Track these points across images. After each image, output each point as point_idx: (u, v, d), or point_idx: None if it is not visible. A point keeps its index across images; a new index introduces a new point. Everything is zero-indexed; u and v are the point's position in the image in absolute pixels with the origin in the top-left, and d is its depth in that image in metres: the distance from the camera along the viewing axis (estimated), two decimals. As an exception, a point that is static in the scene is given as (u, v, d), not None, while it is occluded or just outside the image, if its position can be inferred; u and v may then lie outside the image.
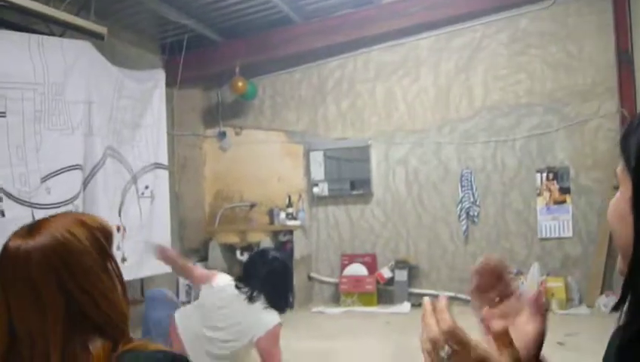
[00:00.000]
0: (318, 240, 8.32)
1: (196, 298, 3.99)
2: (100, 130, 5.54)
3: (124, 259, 5.53)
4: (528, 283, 6.99)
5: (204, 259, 8.18)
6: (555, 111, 7.33)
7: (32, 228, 1.26)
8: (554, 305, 6.93)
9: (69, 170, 5.07)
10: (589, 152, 7.21)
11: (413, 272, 7.80)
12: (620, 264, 0.91)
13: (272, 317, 3.74)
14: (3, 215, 4.44)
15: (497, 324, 0.90)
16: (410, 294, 7.66)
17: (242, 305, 3.72)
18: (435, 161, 7.83)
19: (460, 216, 7.67)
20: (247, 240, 8.10)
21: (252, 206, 8.51)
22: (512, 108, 7.50)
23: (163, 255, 3.99)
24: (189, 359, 1.36)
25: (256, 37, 7.86)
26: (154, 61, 7.69)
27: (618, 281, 6.68)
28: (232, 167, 8.65)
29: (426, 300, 0.93)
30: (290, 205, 8.20)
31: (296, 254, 7.85)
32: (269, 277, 3.83)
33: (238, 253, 8.02)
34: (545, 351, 0.96)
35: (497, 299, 1.01)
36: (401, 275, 7.70)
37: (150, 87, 6.51)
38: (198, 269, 4.22)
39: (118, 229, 5.65)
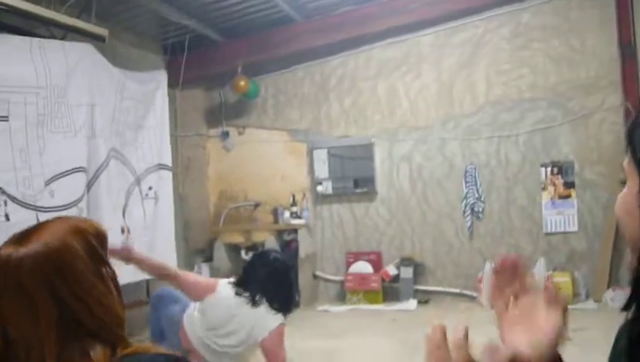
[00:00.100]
0: (322, 239, 8.31)
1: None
2: (103, 132, 5.54)
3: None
4: (535, 279, 6.96)
5: (209, 259, 8.18)
6: (558, 106, 7.31)
7: (23, 236, 1.25)
8: (560, 300, 6.91)
9: (72, 173, 5.07)
10: (594, 146, 7.19)
11: (419, 269, 7.79)
12: (631, 258, 0.90)
13: (275, 317, 3.74)
14: (8, 218, 4.45)
15: (499, 356, 0.83)
16: (416, 291, 7.66)
17: (248, 309, 3.72)
18: (439, 158, 7.81)
19: (464, 212, 7.66)
20: (251, 239, 8.09)
21: (256, 205, 8.50)
22: (516, 103, 7.47)
23: (110, 251, 3.79)
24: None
25: (258, 36, 7.85)
26: (156, 62, 7.68)
27: (625, 275, 6.68)
28: (236, 167, 8.64)
29: (432, 327, 0.86)
30: (294, 204, 8.19)
31: (301, 253, 7.84)
32: (270, 278, 3.82)
33: (243, 252, 8.01)
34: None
35: (513, 296, 0.98)
36: (407, 272, 7.68)
37: (152, 88, 6.51)
38: (191, 276, 3.99)
39: (123, 231, 5.66)
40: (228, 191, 8.71)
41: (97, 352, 1.19)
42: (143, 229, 6.02)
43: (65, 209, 4.90)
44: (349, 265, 8.00)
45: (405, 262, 7.72)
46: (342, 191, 8.22)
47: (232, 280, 3.93)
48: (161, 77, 6.77)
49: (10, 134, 4.57)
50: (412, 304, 7.42)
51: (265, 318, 3.73)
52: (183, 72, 7.63)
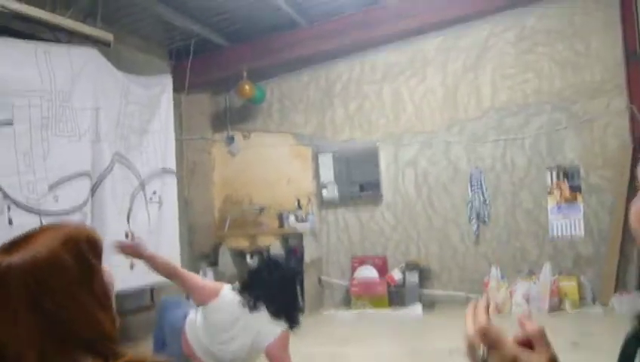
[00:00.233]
0: (328, 243, 8.29)
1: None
2: (108, 136, 5.54)
3: (132, 266, 5.52)
4: (541, 283, 6.95)
5: (214, 264, 8.16)
6: (563, 109, 7.28)
7: (13, 245, 1.22)
8: (567, 305, 6.88)
9: (76, 177, 5.07)
10: (599, 150, 7.15)
11: (424, 274, 7.76)
12: None
13: (280, 323, 3.72)
14: (11, 223, 4.44)
15: (532, 325, 0.91)
16: (422, 296, 7.62)
17: (252, 315, 3.70)
18: (444, 162, 7.79)
19: (470, 217, 7.63)
20: (256, 244, 8.08)
21: (261, 210, 8.49)
22: (521, 107, 7.45)
23: (121, 247, 3.67)
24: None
25: (263, 41, 7.85)
26: (161, 67, 7.69)
27: (632, 280, 6.65)
28: (241, 171, 8.64)
29: (471, 302, 0.96)
30: (299, 208, 8.18)
31: (307, 258, 7.82)
32: (277, 285, 3.79)
33: (248, 257, 8.00)
34: (559, 351, 0.93)
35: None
36: (412, 277, 7.64)
37: (157, 92, 6.51)
38: (199, 279, 3.95)
39: (127, 235, 5.65)
40: (233, 196, 8.71)
41: None
42: (147, 234, 6.00)
43: (69, 213, 4.90)
44: (354, 269, 7.98)
45: (411, 266, 7.68)
46: (347, 196, 8.21)
47: (236, 285, 3.89)
48: (167, 81, 6.79)
49: (15, 138, 4.58)
50: (418, 308, 7.39)
51: (270, 324, 3.71)
52: (188, 77, 7.64)
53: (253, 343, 3.71)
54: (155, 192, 6.24)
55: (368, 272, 7.84)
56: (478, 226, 7.60)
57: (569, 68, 7.26)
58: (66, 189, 4.95)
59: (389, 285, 7.68)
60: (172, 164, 6.62)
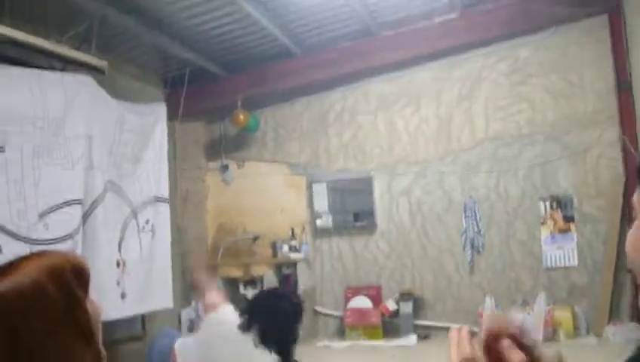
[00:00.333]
0: (322, 273, 8.25)
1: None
2: (101, 164, 5.50)
3: (123, 295, 5.47)
4: (535, 314, 6.90)
5: (206, 293, 8.08)
6: (556, 140, 7.30)
7: None
8: (561, 335, 6.84)
9: (68, 205, 5.03)
10: (592, 181, 7.16)
11: (419, 304, 7.71)
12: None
13: (273, 355, 3.66)
14: (0, 251, 4.40)
15: (517, 355, 0.89)
16: (416, 326, 7.56)
17: (242, 338, 3.65)
18: (438, 192, 7.79)
19: (464, 247, 7.61)
20: (250, 273, 8.03)
21: (255, 238, 8.45)
22: (514, 137, 7.47)
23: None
24: None
25: (258, 70, 7.89)
26: (156, 95, 7.71)
27: (626, 310, 6.61)
28: (235, 200, 8.61)
29: (452, 330, 0.95)
30: (293, 237, 8.14)
31: (300, 287, 7.75)
32: (282, 316, 3.73)
33: (241, 287, 7.94)
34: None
35: None
36: (407, 307, 7.59)
37: (152, 120, 6.50)
38: (213, 294, 3.84)
39: (118, 264, 5.60)
40: (227, 225, 8.67)
41: None
42: (138, 262, 5.95)
43: (59, 242, 4.85)
44: (347, 300, 7.92)
45: (405, 296, 7.63)
46: (341, 225, 8.18)
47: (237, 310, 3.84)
48: (161, 109, 6.77)
49: (6, 166, 4.55)
50: (412, 339, 7.32)
51: (263, 354, 3.65)
52: (182, 105, 7.65)
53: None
54: (147, 221, 6.18)
55: (362, 302, 7.78)
56: (473, 256, 7.58)
57: (562, 99, 7.30)
58: (57, 217, 4.90)
59: (383, 315, 7.63)
60: (165, 192, 6.58)
